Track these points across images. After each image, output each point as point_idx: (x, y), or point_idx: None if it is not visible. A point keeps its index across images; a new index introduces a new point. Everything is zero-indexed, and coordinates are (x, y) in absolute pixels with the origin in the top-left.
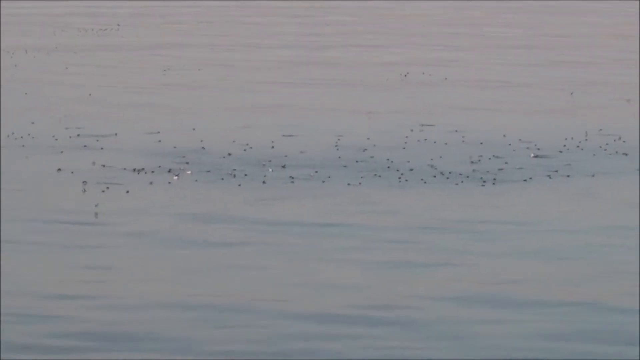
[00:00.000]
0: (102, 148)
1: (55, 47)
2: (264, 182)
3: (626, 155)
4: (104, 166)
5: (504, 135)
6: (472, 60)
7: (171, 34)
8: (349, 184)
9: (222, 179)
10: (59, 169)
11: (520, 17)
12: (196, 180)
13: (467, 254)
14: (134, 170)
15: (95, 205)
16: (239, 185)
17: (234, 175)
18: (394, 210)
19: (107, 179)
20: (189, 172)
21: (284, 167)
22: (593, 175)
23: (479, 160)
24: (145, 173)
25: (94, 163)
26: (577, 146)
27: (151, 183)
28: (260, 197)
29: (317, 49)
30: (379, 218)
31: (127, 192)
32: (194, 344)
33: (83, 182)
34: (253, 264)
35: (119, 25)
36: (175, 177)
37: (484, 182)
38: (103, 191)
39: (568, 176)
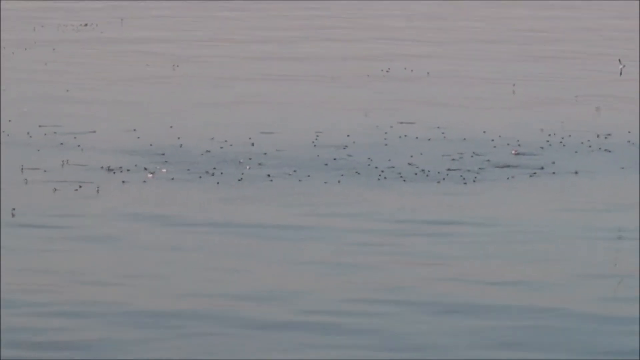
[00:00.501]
0: (78, 146)
1: (34, 43)
2: (239, 180)
3: (609, 152)
4: (63, 165)
5: (484, 132)
6: (450, 55)
7: (149, 30)
8: (326, 183)
9: (200, 177)
10: (22, 168)
11: (497, 12)
12: (172, 179)
13: (440, 257)
14: (109, 168)
15: (13, 209)
16: (217, 183)
17: (213, 174)
18: (370, 212)
19: (80, 178)
20: (164, 171)
21: (260, 164)
22: (576, 173)
23: (461, 158)
24: (121, 172)
25: (63, 162)
26: (560, 142)
27: (123, 182)
28: (235, 197)
29: (294, 44)
30: (353, 220)
31: (97, 190)
32: (149, 353)
33: (24, 180)
34: (217, 268)
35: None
36: (150, 176)
37: (465, 180)
38: (76, 190)
39: (553, 173)
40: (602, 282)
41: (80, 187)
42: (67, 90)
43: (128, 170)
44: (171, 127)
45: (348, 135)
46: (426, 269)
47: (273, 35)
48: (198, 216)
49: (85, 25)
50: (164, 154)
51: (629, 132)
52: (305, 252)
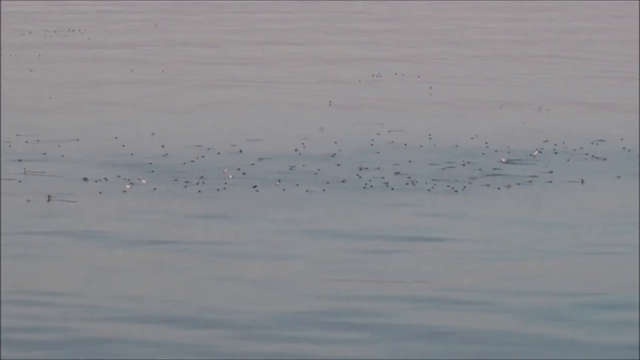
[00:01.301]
0: (62, 156)
1: (20, 48)
2: (220, 191)
3: (604, 160)
4: (24, 173)
5: (472, 138)
6: (435, 57)
7: (135, 34)
8: (310, 193)
9: (185, 186)
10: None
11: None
12: (155, 189)
13: (414, 275)
14: (88, 179)
15: None
16: (199, 191)
17: (197, 183)
18: (351, 227)
19: (58, 189)
20: (144, 181)
21: (245, 174)
22: (572, 182)
23: (452, 167)
24: (101, 182)
25: (42, 173)
26: (553, 149)
27: (100, 193)
28: (214, 210)
29: (272, 46)
30: (331, 236)
31: (49, 199)
32: None
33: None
34: (162, 289)
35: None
36: (129, 187)
37: (455, 189)
38: (48, 200)
39: (550, 182)
40: (583, 303)
41: (53, 198)
42: (50, 98)
43: (107, 180)
44: (153, 134)
45: (335, 142)
46: (397, 288)
47: (252, 39)
48: (162, 233)
49: (73, 30)
50: (147, 163)
51: (622, 139)
52: (272, 271)
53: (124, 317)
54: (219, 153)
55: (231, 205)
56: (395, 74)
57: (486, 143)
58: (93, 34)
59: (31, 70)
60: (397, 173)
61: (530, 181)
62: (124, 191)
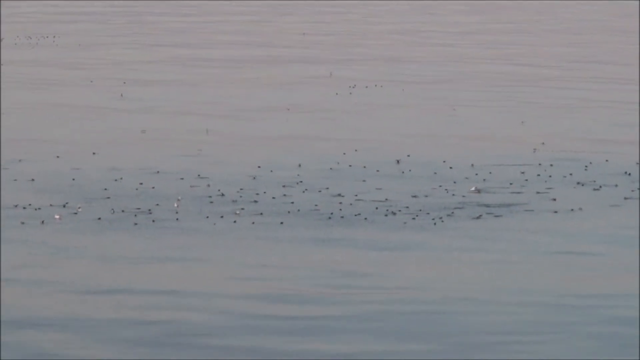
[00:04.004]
0: (15, 180)
1: None
2: (154, 222)
3: (599, 187)
4: None
5: (444, 161)
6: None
7: (107, 45)
8: (253, 223)
9: (135, 215)
10: None
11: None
12: (99, 219)
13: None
14: (15, 206)
15: None
16: (135, 224)
17: (150, 212)
18: (295, 273)
19: None
20: (80, 208)
21: (199, 200)
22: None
23: (427, 196)
24: (35, 210)
25: None
26: (538, 175)
27: (23, 223)
28: (146, 246)
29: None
30: (264, 284)
31: None
32: None
33: None
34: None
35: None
36: (57, 217)
37: (434, 221)
38: None
39: (554, 211)
40: None
41: None
42: (2, 113)
43: (39, 209)
44: (94, 153)
45: (299, 165)
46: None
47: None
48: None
49: (46, 37)
50: (94, 188)
51: (607, 160)
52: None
53: None
54: (182, 178)
55: (180, 240)
56: (375, 85)
57: (477, 170)
58: (64, 42)
59: None
60: (375, 201)
61: (532, 209)
62: (42, 221)
